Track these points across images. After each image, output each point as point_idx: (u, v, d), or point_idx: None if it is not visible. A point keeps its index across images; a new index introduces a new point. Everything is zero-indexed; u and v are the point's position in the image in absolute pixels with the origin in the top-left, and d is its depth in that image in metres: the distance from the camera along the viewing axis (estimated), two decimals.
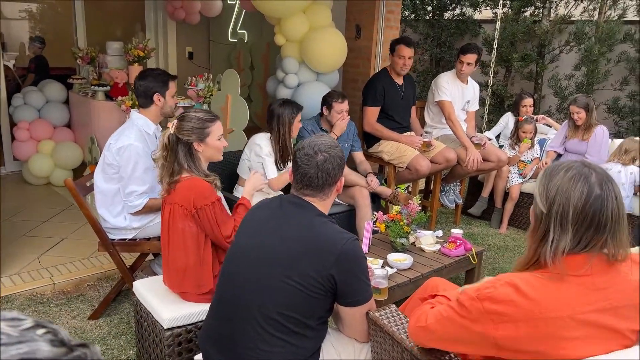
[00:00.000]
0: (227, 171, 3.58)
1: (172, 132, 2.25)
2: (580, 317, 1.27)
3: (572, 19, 6.46)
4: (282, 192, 3.19)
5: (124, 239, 2.82)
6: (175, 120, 2.26)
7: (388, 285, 2.21)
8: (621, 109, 6.03)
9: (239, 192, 3.42)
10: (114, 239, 2.81)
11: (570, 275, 1.29)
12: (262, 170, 3.27)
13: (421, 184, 4.85)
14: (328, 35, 4.38)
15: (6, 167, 5.43)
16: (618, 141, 4.46)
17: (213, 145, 2.31)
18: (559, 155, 4.66)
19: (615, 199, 1.28)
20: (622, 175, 4.04)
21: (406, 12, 7.87)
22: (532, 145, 4.62)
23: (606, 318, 1.29)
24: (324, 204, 1.76)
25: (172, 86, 2.78)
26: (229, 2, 5.93)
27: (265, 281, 1.63)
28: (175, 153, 2.24)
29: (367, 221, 3.26)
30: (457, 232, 3.33)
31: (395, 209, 3.19)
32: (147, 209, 2.70)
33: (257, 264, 1.66)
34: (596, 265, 1.29)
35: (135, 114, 2.76)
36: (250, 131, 4.25)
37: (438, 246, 3.23)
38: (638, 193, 4.10)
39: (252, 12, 6.51)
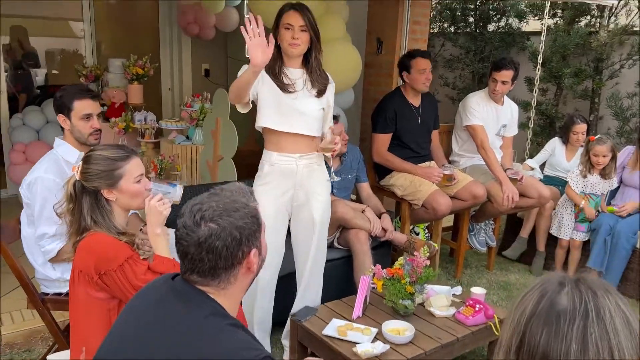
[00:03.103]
0: None
1: (77, 178, 1.76)
2: None
3: (634, 29, 5.61)
4: None
5: (59, 293, 2.35)
6: (80, 163, 1.78)
7: None
8: None
9: None
10: (47, 293, 2.35)
11: None
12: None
13: (448, 220, 4.17)
14: (339, 49, 3.83)
15: (8, 190, 5.18)
16: None
17: (129, 190, 1.78)
18: (614, 191, 3.87)
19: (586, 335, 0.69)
20: None
21: (445, 25, 7.24)
22: (607, 175, 3.69)
23: None
24: (226, 295, 1.18)
25: (82, 106, 2.26)
26: (245, 15, 5.49)
27: None
28: (81, 205, 1.75)
29: (363, 275, 2.66)
30: (478, 292, 2.66)
31: (397, 262, 2.57)
32: (67, 256, 2.20)
33: None
34: None
35: (57, 140, 2.33)
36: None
37: (453, 310, 2.57)
38: None
39: (266, 26, 6.10)
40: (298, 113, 2.38)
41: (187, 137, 4.10)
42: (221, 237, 1.13)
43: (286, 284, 2.73)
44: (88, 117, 2.29)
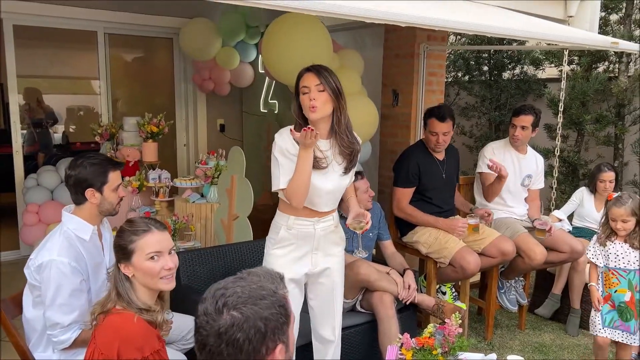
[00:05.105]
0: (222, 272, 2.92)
1: None
2: None
3: None
4: None
5: None
6: None
7: None
8: None
9: None
10: None
11: None
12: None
13: (475, 276, 3.95)
14: (356, 104, 3.76)
15: (21, 251, 5.10)
16: None
17: (141, 267, 1.67)
18: None
19: None
20: None
21: (459, 74, 7.23)
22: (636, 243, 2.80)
23: None
24: None
25: (114, 177, 2.16)
26: (260, 71, 5.52)
27: None
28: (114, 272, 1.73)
29: (390, 345, 2.46)
30: None
31: (427, 330, 2.38)
32: (81, 344, 2.01)
33: None
34: None
35: (66, 215, 2.14)
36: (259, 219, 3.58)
37: None
38: None
39: (283, 83, 6.13)
40: (324, 192, 2.21)
41: (202, 195, 4.01)
42: (243, 328, 0.99)
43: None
44: (118, 186, 2.19)
